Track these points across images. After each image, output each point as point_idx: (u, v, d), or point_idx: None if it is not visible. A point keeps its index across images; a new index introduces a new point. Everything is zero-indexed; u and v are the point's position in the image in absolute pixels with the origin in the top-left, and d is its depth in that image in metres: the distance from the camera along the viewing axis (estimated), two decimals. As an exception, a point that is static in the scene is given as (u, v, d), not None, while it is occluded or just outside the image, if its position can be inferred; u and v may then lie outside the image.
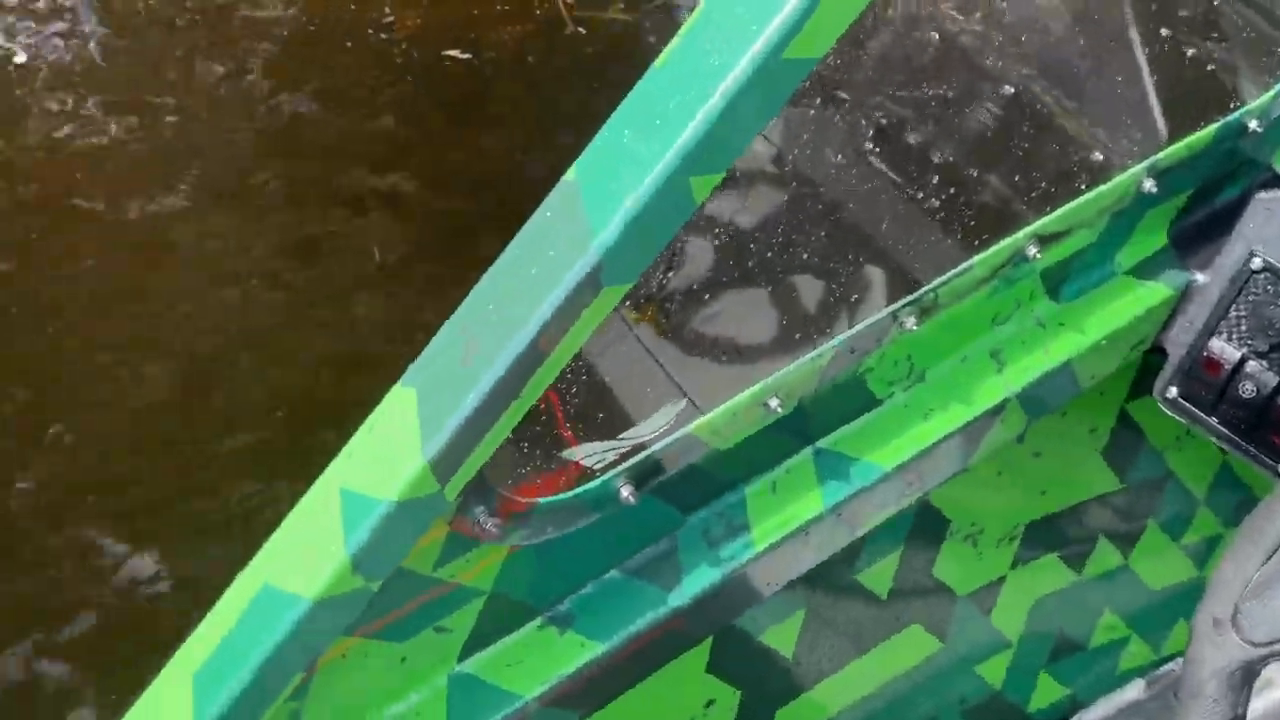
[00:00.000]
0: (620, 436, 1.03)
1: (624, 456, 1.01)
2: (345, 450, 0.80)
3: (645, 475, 0.99)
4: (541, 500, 0.94)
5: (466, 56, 2.82)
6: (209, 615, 0.81)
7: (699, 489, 1.05)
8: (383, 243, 2.37)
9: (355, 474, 0.78)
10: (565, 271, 0.74)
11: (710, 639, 1.20)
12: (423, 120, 2.68)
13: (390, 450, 0.77)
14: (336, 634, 0.80)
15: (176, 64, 2.75)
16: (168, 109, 2.62)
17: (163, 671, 0.81)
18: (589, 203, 0.75)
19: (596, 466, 0.98)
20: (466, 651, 1.00)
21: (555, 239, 0.75)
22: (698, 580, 1.05)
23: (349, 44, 2.85)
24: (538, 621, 1.03)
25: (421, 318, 2.23)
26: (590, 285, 0.75)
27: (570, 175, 0.77)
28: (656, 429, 1.04)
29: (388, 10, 2.95)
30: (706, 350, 1.28)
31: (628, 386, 1.19)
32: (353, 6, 2.94)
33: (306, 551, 0.78)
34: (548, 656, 1.01)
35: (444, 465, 0.76)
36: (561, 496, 0.95)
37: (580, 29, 2.92)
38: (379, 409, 0.79)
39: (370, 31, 2.88)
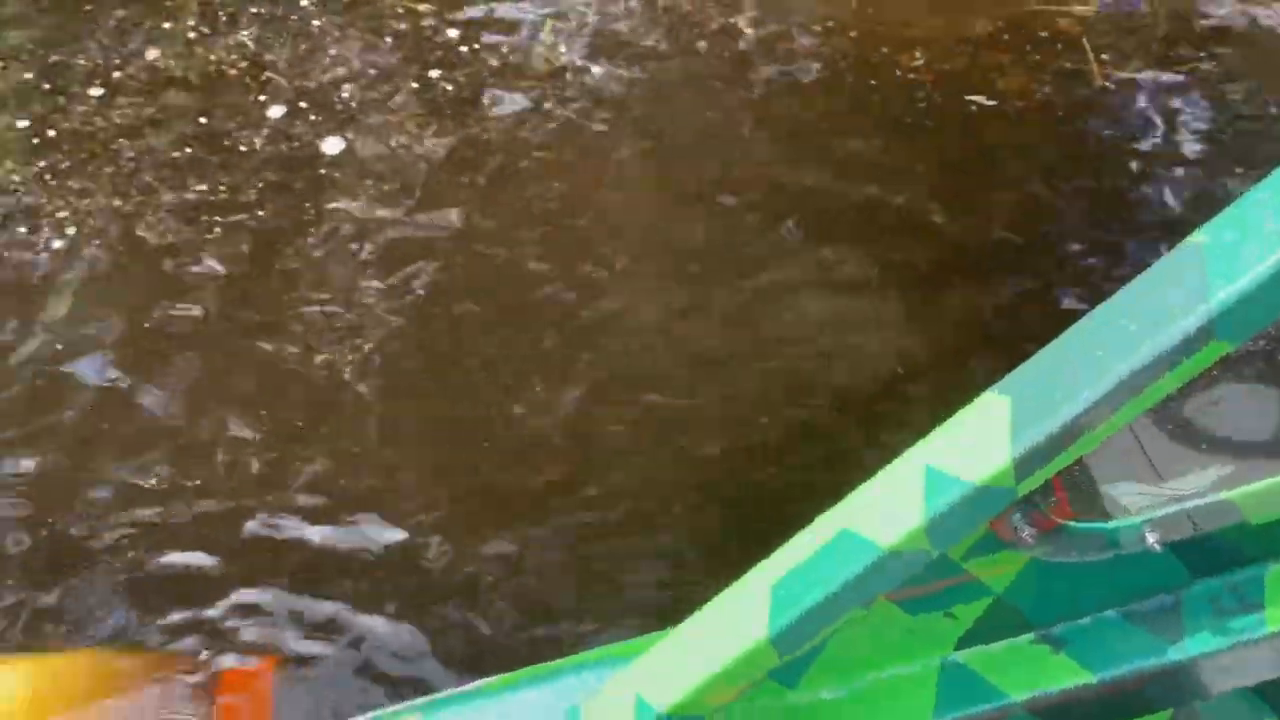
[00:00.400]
0: (1162, 485, 1.09)
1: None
2: (931, 435, 0.95)
3: (1172, 528, 1.04)
4: (1071, 523, 1.03)
5: (992, 103, 2.93)
6: (791, 541, 0.99)
7: (1217, 556, 1.09)
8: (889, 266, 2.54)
9: (941, 456, 0.92)
10: (1182, 319, 0.83)
11: (1171, 711, 1.22)
12: (938, 158, 2.82)
13: (978, 443, 0.90)
14: (893, 585, 0.95)
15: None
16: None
17: (745, 576, 1.00)
18: (1212, 263, 0.83)
19: (1130, 508, 1.05)
20: (962, 641, 1.11)
21: (1173, 291, 0.84)
22: (1198, 644, 1.09)
23: (873, 82, 3.06)
24: (1031, 636, 1.11)
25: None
26: (1201, 337, 0.83)
27: (1197, 237, 0.86)
28: (1199, 486, 1.09)
29: (918, 55, 3.13)
30: (1190, 439, 1.28)
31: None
32: (884, 49, 3.15)
33: (887, 511, 0.93)
34: (1037, 670, 1.10)
35: (1024, 465, 0.88)
36: (1092, 525, 1.03)
37: (1108, 84, 2.94)
38: (970, 407, 0.92)
39: (898, 74, 3.06)
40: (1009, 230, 2.65)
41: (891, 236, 2.65)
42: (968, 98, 2.98)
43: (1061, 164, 2.82)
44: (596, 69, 3.20)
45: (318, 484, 2.23)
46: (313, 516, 2.16)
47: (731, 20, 3.33)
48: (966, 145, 2.88)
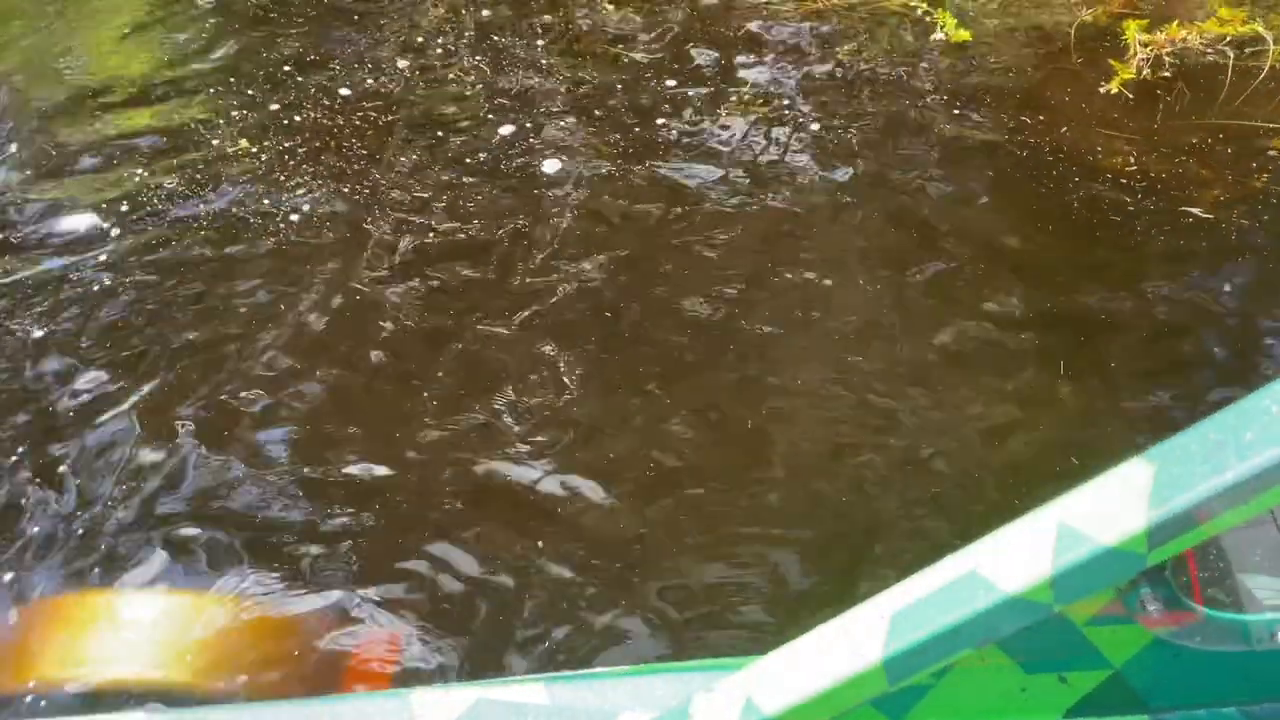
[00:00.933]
0: (1303, 586, 1.08)
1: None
2: (1070, 494, 0.98)
3: None
4: (1204, 609, 1.04)
5: (1208, 217, 2.87)
6: (915, 575, 1.03)
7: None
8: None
9: (1077, 514, 0.95)
10: None
11: None
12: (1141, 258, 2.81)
13: (1115, 506, 0.92)
14: (1008, 632, 0.98)
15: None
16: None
17: (866, 603, 1.05)
18: None
19: (1264, 603, 1.05)
20: (1073, 710, 1.12)
21: None
22: None
23: (1077, 178, 3.04)
24: (1145, 718, 1.12)
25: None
26: None
27: None
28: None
29: (1131, 160, 3.09)
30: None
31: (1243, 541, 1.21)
32: (1099, 149, 3.13)
33: (1015, 559, 0.97)
34: None
35: (1158, 534, 0.90)
36: (1225, 615, 1.04)
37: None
38: (1113, 471, 0.95)
39: (1109, 176, 3.04)
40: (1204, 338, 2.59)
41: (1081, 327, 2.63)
42: (1182, 208, 2.93)
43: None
44: (792, 130, 3.31)
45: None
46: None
47: (930, 100, 3.39)
48: (1173, 252, 2.82)
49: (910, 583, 1.04)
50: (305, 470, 2.31)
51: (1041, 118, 3.30)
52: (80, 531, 2.19)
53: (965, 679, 1.10)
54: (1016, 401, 2.42)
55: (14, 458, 2.34)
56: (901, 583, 1.05)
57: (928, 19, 3.83)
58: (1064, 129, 3.23)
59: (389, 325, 2.66)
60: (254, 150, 3.27)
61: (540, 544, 2.15)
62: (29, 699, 1.89)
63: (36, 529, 2.20)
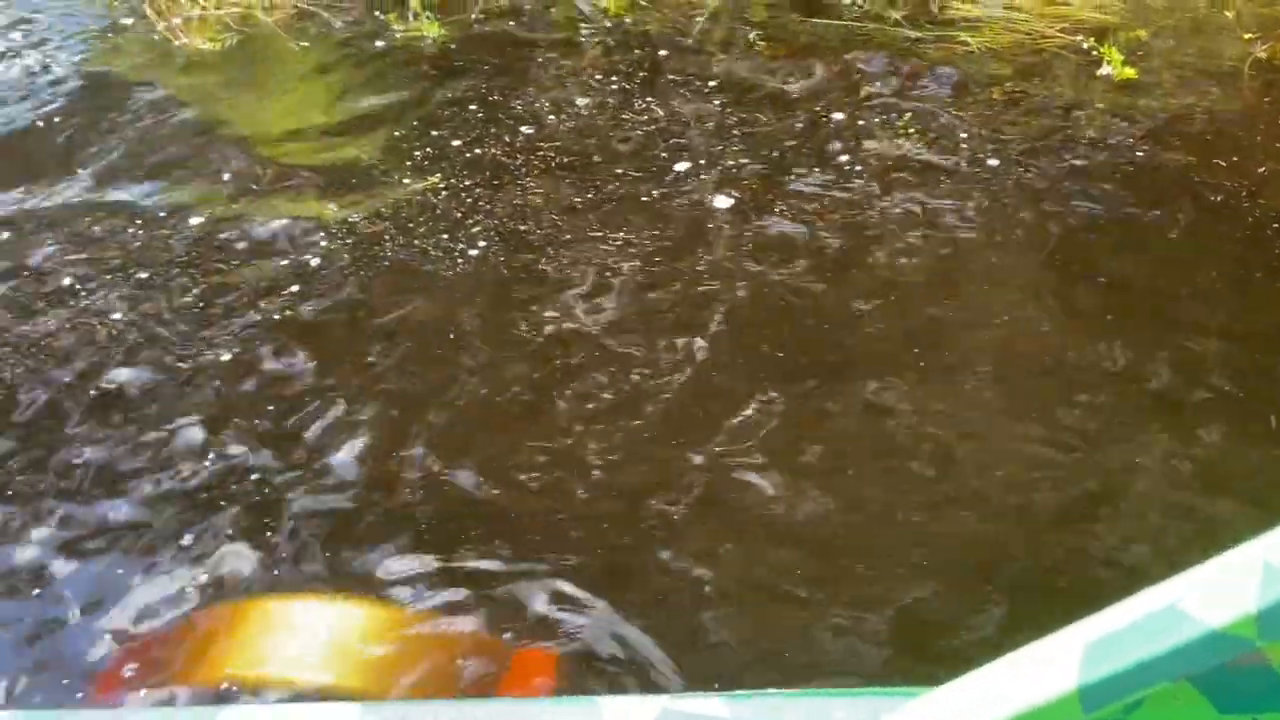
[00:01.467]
0: None
1: None
2: (1273, 533, 0.97)
3: None
4: None
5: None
6: (1112, 606, 1.04)
7: None
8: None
9: (1280, 554, 0.95)
10: None
11: None
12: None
13: (1321, 544, 0.92)
14: (1207, 667, 0.98)
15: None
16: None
17: (1059, 633, 1.06)
18: None
19: None
20: None
21: None
22: None
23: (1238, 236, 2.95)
24: None
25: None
26: None
27: None
28: None
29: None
30: None
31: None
32: (1260, 201, 3.02)
33: (1219, 594, 0.96)
34: None
35: None
36: None
37: None
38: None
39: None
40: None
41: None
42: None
43: None
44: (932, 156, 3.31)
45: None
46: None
47: (1107, 139, 3.33)
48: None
49: (1106, 614, 1.04)
50: (478, 485, 2.42)
51: (1235, 158, 3.20)
52: (304, 536, 2.35)
53: (1158, 714, 1.10)
54: (1203, 453, 2.36)
55: (235, 455, 2.53)
56: (1095, 614, 1.05)
57: (1094, 53, 3.77)
58: (1262, 169, 3.12)
59: (566, 361, 2.76)
60: (439, 186, 3.43)
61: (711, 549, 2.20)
62: (226, 691, 2.01)
63: (280, 526, 2.36)
